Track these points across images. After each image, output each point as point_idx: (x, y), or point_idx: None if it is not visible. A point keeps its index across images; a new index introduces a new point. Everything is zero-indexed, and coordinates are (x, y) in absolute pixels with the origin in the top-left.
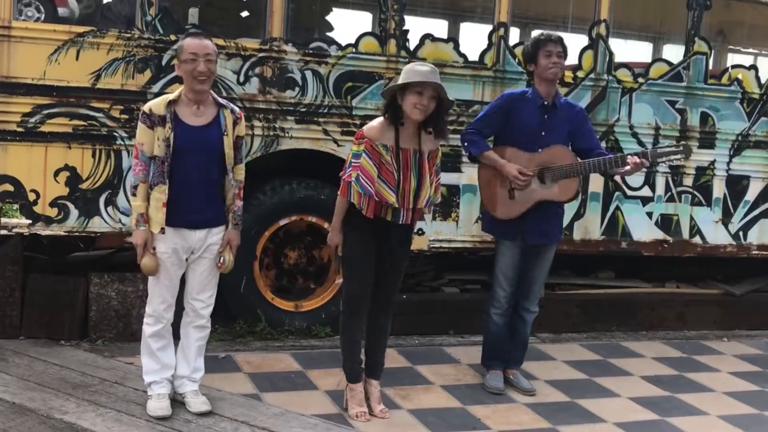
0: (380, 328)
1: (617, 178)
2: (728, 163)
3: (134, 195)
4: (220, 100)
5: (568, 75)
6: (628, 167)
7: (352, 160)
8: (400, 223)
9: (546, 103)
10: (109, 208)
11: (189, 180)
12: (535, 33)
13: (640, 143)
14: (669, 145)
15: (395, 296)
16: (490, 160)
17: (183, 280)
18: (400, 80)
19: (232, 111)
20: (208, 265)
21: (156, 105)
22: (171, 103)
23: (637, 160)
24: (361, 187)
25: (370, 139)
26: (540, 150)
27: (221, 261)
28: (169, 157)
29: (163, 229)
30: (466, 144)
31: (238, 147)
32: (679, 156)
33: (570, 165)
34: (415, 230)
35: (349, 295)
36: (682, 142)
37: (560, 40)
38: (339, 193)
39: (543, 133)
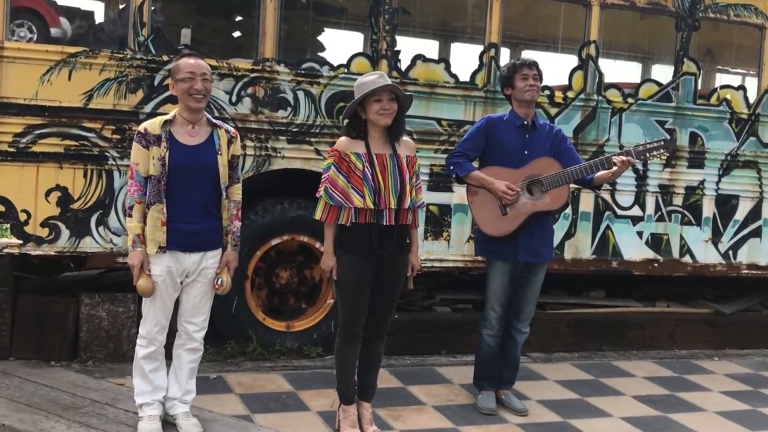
0: (374, 352)
1: (607, 196)
2: (717, 183)
3: (130, 216)
4: (215, 120)
5: (558, 95)
6: (615, 168)
7: (323, 175)
8: (384, 224)
9: (526, 123)
10: (101, 228)
11: (184, 200)
12: (524, 54)
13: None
14: (653, 140)
15: (389, 320)
16: (477, 180)
17: (177, 302)
18: (356, 97)
19: (227, 131)
20: (203, 289)
21: (151, 125)
22: (166, 123)
23: (623, 158)
24: (330, 197)
25: (339, 150)
26: (525, 164)
27: (218, 283)
28: (165, 176)
29: (163, 247)
30: (451, 167)
31: (233, 166)
32: (662, 150)
33: (558, 173)
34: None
35: (345, 319)
36: (665, 136)
37: (535, 64)
38: (318, 217)
39: (526, 152)
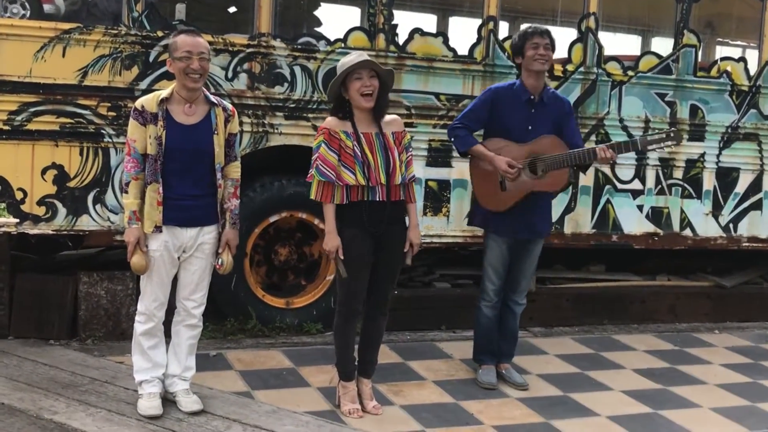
0: (376, 329)
1: (607, 170)
2: (718, 156)
3: (126, 192)
4: (212, 97)
5: (558, 68)
6: (596, 160)
7: (313, 155)
8: (377, 200)
9: (533, 97)
10: (98, 206)
11: (180, 178)
12: (524, 26)
13: (630, 136)
14: (660, 131)
15: (390, 296)
16: (479, 154)
17: (175, 279)
18: (336, 76)
19: (224, 108)
20: (201, 265)
21: (148, 102)
22: (163, 101)
23: (607, 155)
24: (321, 174)
25: (329, 128)
26: (530, 140)
27: (219, 263)
28: (162, 155)
29: (159, 227)
30: (453, 140)
31: (230, 144)
32: (669, 143)
33: (561, 155)
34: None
35: (345, 296)
36: (672, 129)
37: (548, 33)
38: (313, 197)
39: (529, 128)
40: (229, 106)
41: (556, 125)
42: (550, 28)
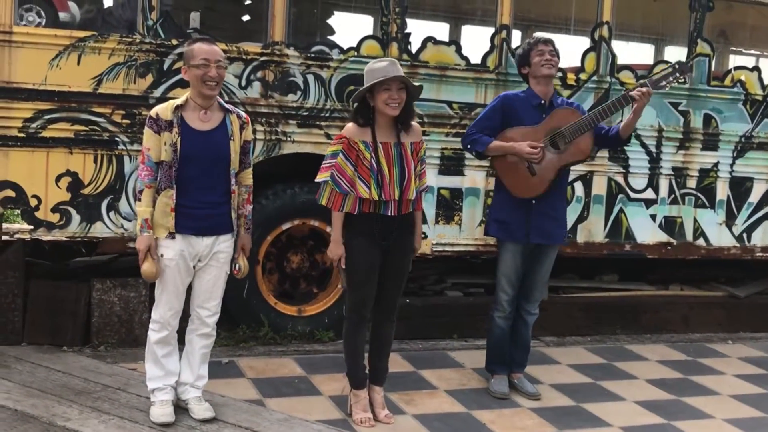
0: (384, 335)
1: (621, 179)
2: (732, 165)
3: (139, 200)
4: (227, 105)
5: (571, 77)
6: (635, 103)
7: (328, 160)
8: (389, 214)
9: (543, 102)
10: (111, 214)
11: (195, 185)
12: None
13: (644, 145)
14: (664, 68)
15: (398, 303)
16: (498, 149)
17: (189, 288)
18: (366, 83)
19: (239, 116)
20: (215, 273)
21: (163, 110)
22: (178, 108)
23: (642, 90)
24: (337, 185)
25: (348, 137)
26: (543, 117)
27: (236, 268)
28: (177, 162)
29: (172, 233)
30: (469, 146)
31: (245, 152)
32: (678, 74)
33: (578, 121)
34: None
35: (353, 303)
36: (677, 60)
37: (551, 41)
38: (324, 204)
39: None
40: (243, 114)
41: None
42: (564, 36)
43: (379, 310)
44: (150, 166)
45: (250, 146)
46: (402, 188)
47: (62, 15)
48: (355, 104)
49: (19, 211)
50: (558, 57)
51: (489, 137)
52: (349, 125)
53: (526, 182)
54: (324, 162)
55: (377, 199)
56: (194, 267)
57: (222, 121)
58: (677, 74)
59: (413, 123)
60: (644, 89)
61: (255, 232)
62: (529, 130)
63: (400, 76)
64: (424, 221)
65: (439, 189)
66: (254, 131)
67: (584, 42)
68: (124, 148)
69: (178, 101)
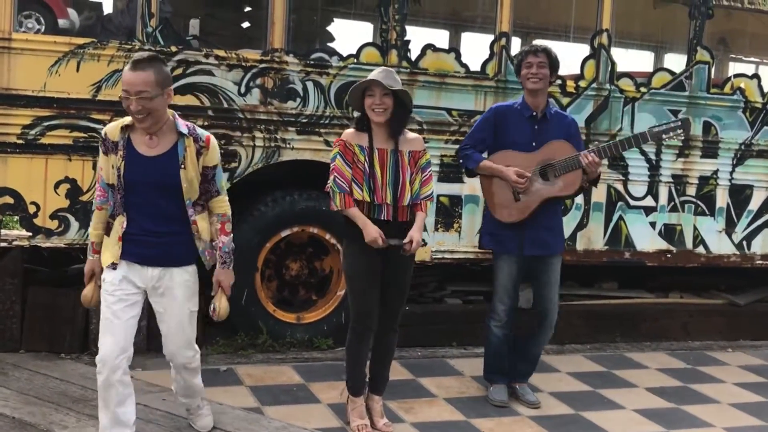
0: (387, 344)
1: (620, 187)
2: (731, 173)
3: (92, 220)
4: (183, 126)
5: (570, 85)
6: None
7: (330, 164)
8: (382, 219)
9: (535, 114)
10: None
11: (141, 213)
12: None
13: (643, 153)
14: (667, 121)
15: (401, 312)
16: (488, 169)
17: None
18: (352, 92)
19: (197, 139)
20: (177, 316)
21: (111, 129)
22: (125, 129)
23: (592, 159)
24: (338, 186)
25: (344, 140)
26: (536, 146)
27: (212, 309)
28: (122, 188)
29: (114, 264)
30: (461, 161)
31: (209, 179)
32: (679, 131)
33: (571, 157)
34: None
35: (358, 313)
36: (680, 116)
37: (543, 51)
38: (338, 207)
39: (534, 144)
40: (204, 136)
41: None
42: (563, 44)
43: (382, 319)
44: (103, 188)
45: (214, 172)
46: (396, 194)
47: (61, 22)
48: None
49: (17, 218)
50: (551, 67)
51: (481, 155)
52: (349, 130)
53: (509, 206)
54: (330, 168)
55: (369, 201)
56: (144, 298)
57: (173, 147)
58: (679, 131)
59: (416, 135)
60: (592, 159)
61: (254, 238)
62: (522, 157)
63: (379, 81)
64: (423, 229)
65: (438, 196)
66: (253, 138)
67: (584, 49)
68: None
69: (126, 120)
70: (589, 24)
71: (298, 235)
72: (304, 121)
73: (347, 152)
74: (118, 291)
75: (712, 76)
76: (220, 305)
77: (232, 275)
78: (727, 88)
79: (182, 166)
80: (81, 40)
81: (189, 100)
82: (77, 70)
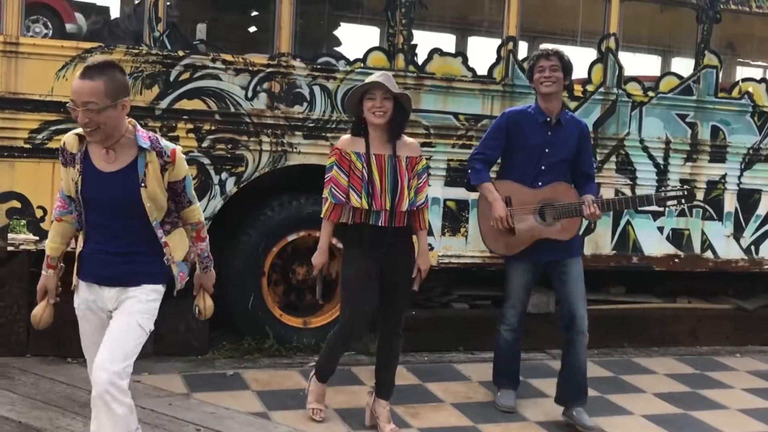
0: (392, 348)
1: (628, 192)
2: (739, 177)
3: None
4: (144, 140)
5: (578, 89)
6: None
7: (327, 174)
8: (379, 225)
9: (549, 119)
10: None
11: (99, 231)
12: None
13: (651, 157)
14: (673, 188)
15: (404, 316)
16: (485, 193)
17: None
18: (352, 95)
19: (160, 154)
20: (123, 321)
21: (70, 140)
22: (83, 140)
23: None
24: (333, 196)
25: (340, 148)
26: (542, 185)
27: (197, 311)
28: (80, 204)
29: (74, 285)
30: (469, 171)
31: (178, 192)
32: (683, 201)
33: (573, 204)
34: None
35: (346, 319)
36: (686, 186)
37: (555, 54)
38: (327, 218)
39: (546, 150)
40: (169, 150)
41: (575, 149)
42: (570, 48)
43: (385, 323)
44: (63, 199)
45: (184, 184)
46: (394, 200)
47: (69, 26)
48: (354, 115)
49: (24, 222)
50: (564, 70)
51: (487, 175)
52: (344, 136)
53: (503, 237)
54: (325, 176)
55: (368, 208)
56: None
57: (132, 162)
58: (683, 201)
59: (412, 140)
60: (594, 211)
61: (260, 243)
62: (524, 192)
63: (379, 82)
64: (430, 233)
65: (445, 200)
66: (260, 142)
67: (591, 53)
68: None
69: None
70: (596, 28)
71: (304, 239)
72: (311, 125)
73: (343, 161)
74: (88, 315)
75: (720, 80)
76: (205, 305)
77: (213, 276)
78: (735, 93)
79: (143, 184)
80: (88, 45)
81: (196, 104)
82: None
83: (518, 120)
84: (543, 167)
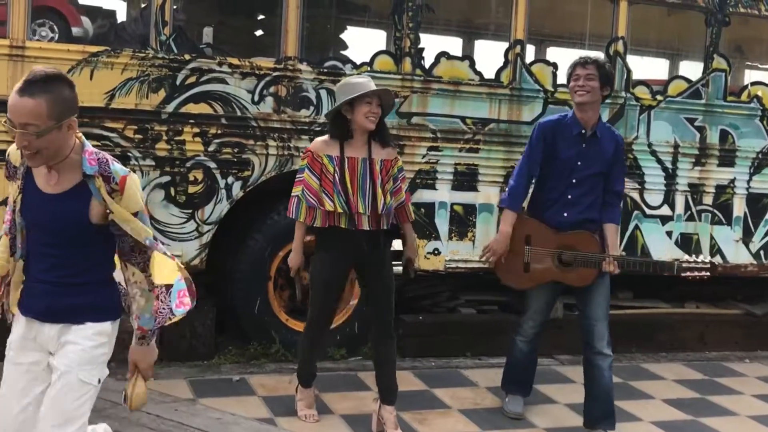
0: (385, 354)
1: (636, 196)
2: (748, 182)
3: None
4: (92, 164)
5: None
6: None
7: (297, 176)
8: (355, 229)
9: (584, 131)
10: None
11: (39, 258)
12: (549, 51)
13: (659, 161)
14: (696, 260)
15: (392, 319)
16: (502, 220)
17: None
18: (346, 96)
19: (108, 179)
20: (60, 380)
21: (13, 151)
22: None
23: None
24: (306, 200)
25: (312, 151)
26: (572, 198)
27: (123, 398)
28: (16, 226)
29: (12, 314)
30: (507, 188)
31: (125, 219)
32: (705, 274)
33: (593, 255)
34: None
35: (311, 317)
36: (710, 260)
37: (593, 62)
38: (301, 219)
39: (579, 163)
40: (119, 176)
41: (609, 163)
42: (578, 52)
43: (375, 328)
44: (10, 211)
45: (139, 212)
46: (366, 203)
47: (75, 30)
48: (331, 117)
49: None
50: (603, 78)
51: (518, 205)
52: (317, 139)
53: (516, 273)
54: (296, 177)
55: (341, 212)
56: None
57: (77, 185)
58: (705, 274)
59: (390, 142)
60: (614, 269)
61: (267, 247)
62: (546, 232)
63: (383, 90)
64: (437, 237)
65: (452, 205)
66: (267, 146)
67: (599, 57)
68: (135, 163)
69: None
70: (604, 32)
71: (311, 244)
72: (318, 129)
73: (315, 164)
74: (20, 354)
75: (729, 83)
76: (133, 392)
77: (153, 353)
78: (744, 96)
79: (109, 211)
80: (94, 48)
81: (202, 108)
82: (91, 78)
83: (553, 130)
84: (574, 180)
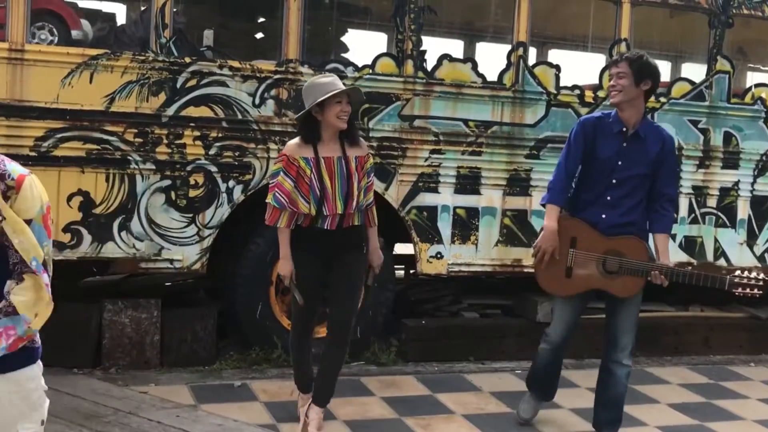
0: (329, 357)
1: None
2: (752, 184)
3: None
4: None
5: (589, 95)
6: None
7: (270, 181)
8: (326, 228)
9: (625, 129)
10: (123, 233)
11: None
12: (551, 53)
13: None
14: (749, 276)
15: (350, 325)
16: (546, 214)
17: None
18: (315, 97)
19: (2, 176)
20: None
21: None
22: None
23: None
24: (277, 201)
25: (287, 154)
26: (611, 200)
27: None
28: None
29: None
30: (549, 187)
31: (15, 230)
32: (756, 291)
33: (640, 263)
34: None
35: (295, 317)
36: (763, 276)
37: (624, 60)
38: (267, 222)
39: (620, 163)
40: (16, 174)
41: (653, 164)
42: (581, 54)
43: (329, 330)
44: None
45: (35, 227)
46: (346, 202)
47: (75, 33)
48: (302, 120)
49: None
50: (636, 75)
51: (562, 197)
52: (291, 142)
53: (557, 279)
54: (269, 182)
55: (314, 214)
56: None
57: None
58: (758, 293)
59: (360, 139)
60: (662, 281)
61: (268, 252)
62: (592, 235)
63: (353, 88)
64: (440, 241)
65: (455, 208)
66: (268, 150)
67: (602, 59)
68: (136, 167)
69: None
70: (607, 34)
71: None
72: None
73: (291, 167)
74: None
75: (732, 85)
76: None
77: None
78: (747, 98)
79: None
80: (94, 52)
81: (203, 111)
82: (90, 81)
83: (595, 127)
84: (614, 180)
